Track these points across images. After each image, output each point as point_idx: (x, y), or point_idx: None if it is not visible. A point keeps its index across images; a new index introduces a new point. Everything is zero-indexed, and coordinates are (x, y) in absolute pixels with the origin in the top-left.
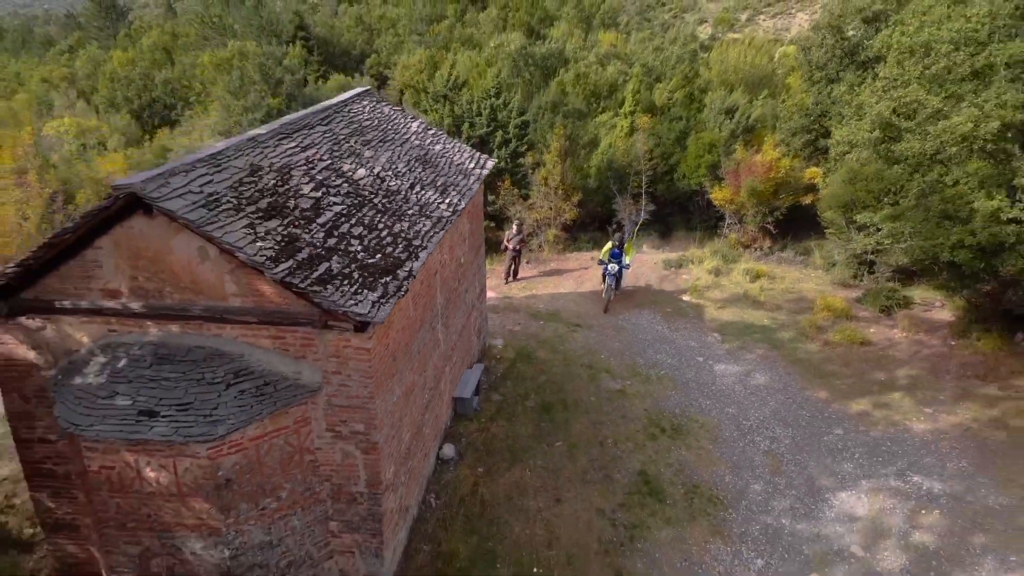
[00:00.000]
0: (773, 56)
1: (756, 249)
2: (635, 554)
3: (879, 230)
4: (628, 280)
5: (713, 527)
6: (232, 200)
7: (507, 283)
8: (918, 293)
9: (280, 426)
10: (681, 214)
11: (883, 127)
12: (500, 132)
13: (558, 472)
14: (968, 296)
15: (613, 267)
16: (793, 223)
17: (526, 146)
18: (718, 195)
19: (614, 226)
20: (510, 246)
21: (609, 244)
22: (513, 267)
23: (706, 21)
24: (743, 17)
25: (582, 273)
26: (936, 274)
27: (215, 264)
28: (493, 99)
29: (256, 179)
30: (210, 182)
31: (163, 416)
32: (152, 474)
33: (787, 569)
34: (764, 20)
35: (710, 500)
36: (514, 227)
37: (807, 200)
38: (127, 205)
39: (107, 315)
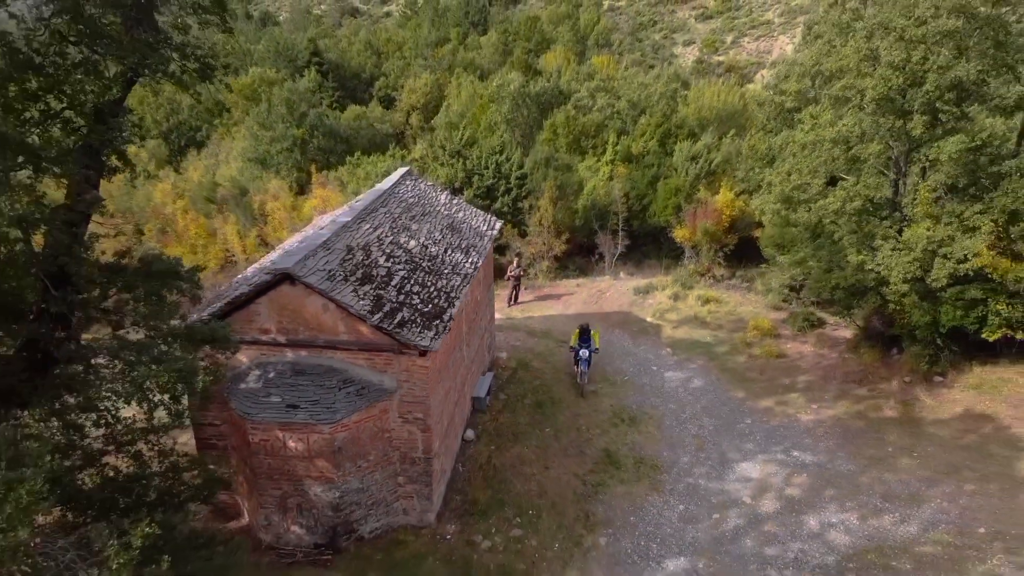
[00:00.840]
0: (743, 94)
1: (710, 278)
2: (598, 502)
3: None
4: (608, 305)
5: (652, 485)
6: (341, 273)
7: (509, 307)
8: (831, 316)
9: (371, 414)
10: (653, 245)
11: (784, 200)
12: (503, 182)
13: (547, 449)
14: (859, 320)
15: (584, 352)
16: (745, 253)
17: (525, 193)
18: (679, 233)
19: (596, 256)
20: (511, 275)
21: (577, 331)
22: (514, 293)
23: (694, 42)
24: (728, 39)
25: (568, 297)
26: (837, 305)
27: (332, 314)
28: (498, 155)
29: (352, 256)
30: (327, 262)
31: (302, 408)
32: (293, 444)
33: (698, 511)
34: (748, 42)
35: (652, 467)
36: (515, 261)
37: (758, 233)
38: (280, 278)
39: (261, 345)
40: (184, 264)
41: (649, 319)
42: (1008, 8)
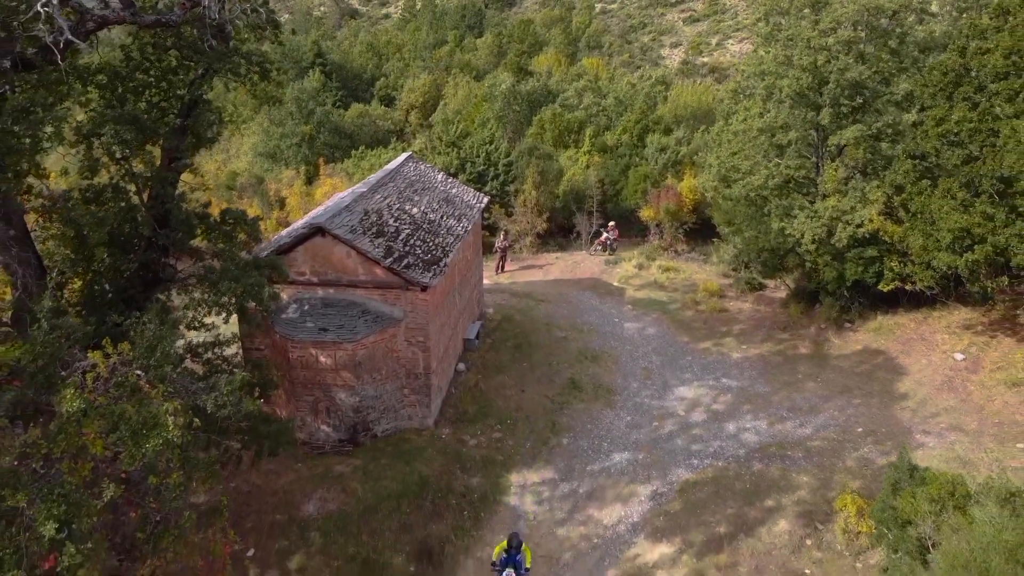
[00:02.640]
0: (716, 95)
1: (672, 251)
2: (562, 415)
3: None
4: (581, 273)
5: (607, 403)
6: (360, 228)
7: (497, 274)
8: (771, 281)
9: (383, 337)
10: (625, 225)
11: (721, 179)
12: (492, 169)
13: (523, 378)
14: (790, 281)
15: (509, 573)
16: (706, 232)
17: (511, 179)
18: (646, 213)
19: (574, 234)
20: (499, 247)
21: (504, 542)
22: (501, 263)
23: (681, 44)
24: (713, 42)
25: (548, 267)
26: (765, 266)
27: (354, 259)
28: (488, 146)
29: (368, 217)
30: (350, 220)
31: (331, 331)
32: (323, 359)
33: (642, 421)
34: (732, 45)
35: (607, 391)
36: (502, 235)
37: (715, 217)
38: (313, 231)
39: (298, 284)
40: (248, 215)
41: (615, 283)
42: (896, 25)
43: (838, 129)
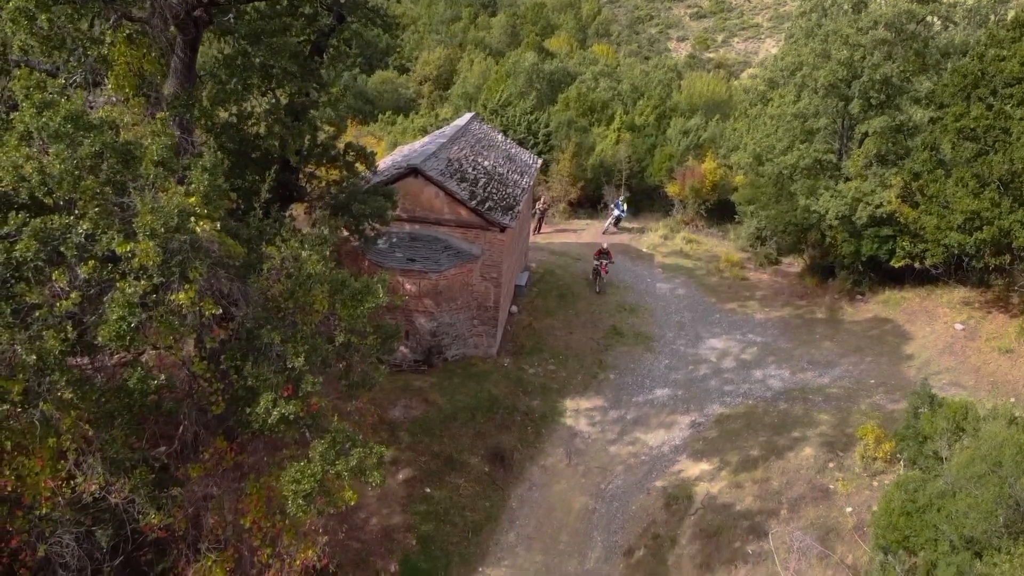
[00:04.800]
0: (729, 86)
1: (693, 226)
2: (608, 355)
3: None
4: (611, 239)
5: (646, 348)
6: (448, 173)
7: (534, 235)
8: (786, 258)
9: (462, 271)
10: (648, 200)
11: (755, 156)
12: (532, 138)
13: (570, 322)
14: (806, 257)
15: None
16: (724, 211)
17: (549, 148)
18: (671, 189)
19: (602, 204)
20: (537, 209)
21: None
22: (539, 225)
23: (687, 39)
24: (719, 38)
25: (580, 232)
26: (786, 242)
27: (441, 199)
28: (529, 116)
29: (450, 163)
30: (437, 164)
31: (417, 261)
32: (409, 286)
33: (679, 364)
34: (737, 43)
35: (646, 338)
36: (541, 199)
37: (734, 196)
38: (408, 171)
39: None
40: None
41: (645, 250)
42: (923, 29)
43: (865, 119)
